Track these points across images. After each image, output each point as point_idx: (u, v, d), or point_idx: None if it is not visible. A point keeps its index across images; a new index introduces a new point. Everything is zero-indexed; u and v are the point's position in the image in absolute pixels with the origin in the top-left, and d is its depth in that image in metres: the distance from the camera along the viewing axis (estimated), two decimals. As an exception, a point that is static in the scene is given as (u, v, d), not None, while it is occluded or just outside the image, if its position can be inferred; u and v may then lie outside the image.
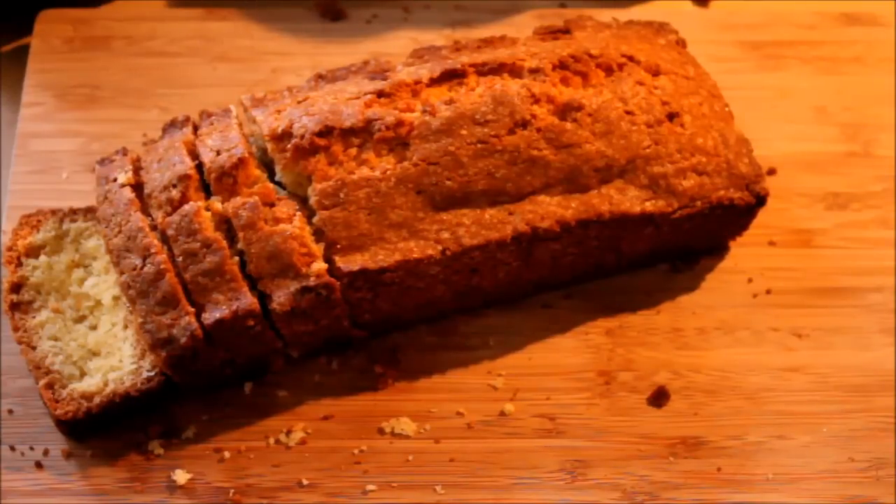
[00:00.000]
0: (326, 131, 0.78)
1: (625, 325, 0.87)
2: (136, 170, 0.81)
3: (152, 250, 0.76)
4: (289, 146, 0.78)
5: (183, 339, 0.74)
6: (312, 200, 0.77)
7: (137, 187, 0.80)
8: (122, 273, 0.77)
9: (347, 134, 0.78)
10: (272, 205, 0.77)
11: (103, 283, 0.82)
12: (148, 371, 0.77)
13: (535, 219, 0.79)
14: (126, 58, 1.02)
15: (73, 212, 0.86)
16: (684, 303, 0.88)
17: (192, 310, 0.74)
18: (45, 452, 0.78)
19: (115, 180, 0.80)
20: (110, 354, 0.79)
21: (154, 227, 0.78)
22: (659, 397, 0.83)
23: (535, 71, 0.83)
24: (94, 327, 0.81)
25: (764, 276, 0.90)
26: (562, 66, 0.83)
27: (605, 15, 0.96)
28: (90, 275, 0.83)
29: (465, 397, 0.82)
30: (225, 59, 1.03)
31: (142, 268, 0.75)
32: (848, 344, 0.86)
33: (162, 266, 0.75)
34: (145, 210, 0.79)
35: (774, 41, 1.06)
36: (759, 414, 0.82)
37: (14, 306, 0.81)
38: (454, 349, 0.85)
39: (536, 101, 0.81)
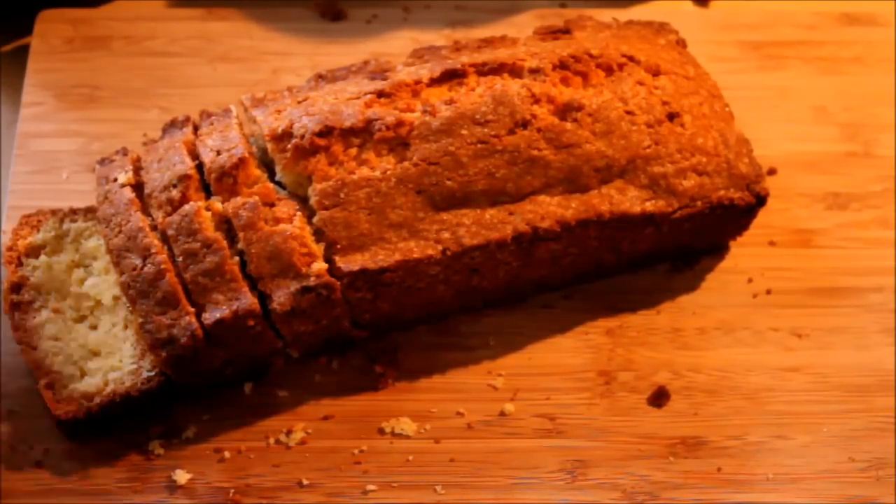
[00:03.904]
0: (326, 131, 0.78)
1: (625, 325, 0.87)
2: (137, 170, 0.82)
3: (152, 250, 0.76)
4: (289, 146, 0.78)
5: (183, 339, 0.73)
6: (312, 200, 0.77)
7: (138, 187, 0.80)
8: (122, 273, 0.77)
9: (347, 134, 0.78)
10: (272, 205, 0.77)
11: (103, 283, 0.82)
12: (148, 371, 0.77)
13: (535, 219, 0.79)
14: (126, 58, 1.02)
15: (73, 212, 0.86)
16: (684, 303, 0.88)
17: (193, 310, 0.74)
18: (46, 452, 0.78)
19: (115, 180, 0.80)
20: (110, 354, 0.79)
21: (154, 227, 0.78)
22: (659, 397, 0.83)
23: (535, 71, 0.83)
24: (94, 327, 0.81)
25: (764, 276, 0.90)
26: (562, 66, 0.83)
27: (605, 15, 0.96)
28: (90, 275, 0.83)
29: (465, 397, 0.82)
30: (225, 59, 1.03)
31: (142, 268, 0.75)
32: (848, 344, 0.86)
33: (162, 266, 0.75)
34: (145, 210, 0.79)
35: (774, 41, 1.06)
36: (759, 414, 0.82)
37: (14, 306, 0.81)
38: (454, 349, 0.85)
39: (536, 101, 0.81)
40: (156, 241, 0.76)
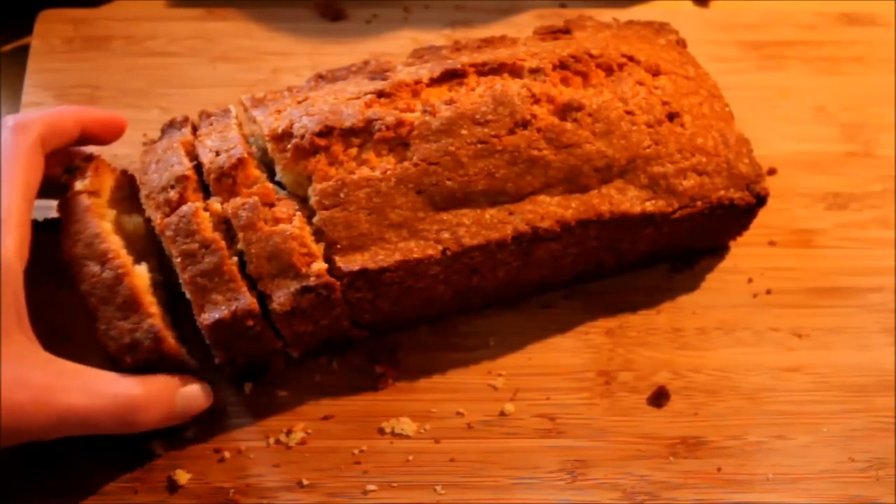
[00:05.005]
0: (326, 131, 0.78)
1: (625, 325, 0.87)
2: (98, 172, 0.80)
3: (109, 255, 0.75)
4: (289, 146, 0.78)
5: (146, 343, 0.73)
6: (312, 200, 0.77)
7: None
8: (82, 282, 0.75)
9: (347, 134, 0.78)
10: (272, 205, 0.77)
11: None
12: None
13: (535, 219, 0.79)
14: (126, 58, 1.02)
15: None
16: (684, 303, 0.88)
17: (154, 311, 0.74)
18: (45, 452, 0.78)
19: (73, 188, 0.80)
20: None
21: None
22: (659, 397, 0.83)
23: (535, 71, 0.83)
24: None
25: (764, 276, 0.90)
26: (562, 66, 0.83)
27: (605, 15, 0.96)
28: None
29: (465, 397, 0.82)
30: (225, 59, 1.03)
31: (101, 274, 0.75)
32: (848, 344, 0.86)
33: (120, 270, 0.74)
34: (101, 215, 0.78)
35: (774, 41, 1.06)
36: (759, 414, 0.82)
37: None
38: (454, 349, 0.85)
39: (536, 101, 0.81)
40: (112, 246, 0.75)
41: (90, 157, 0.83)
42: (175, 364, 0.75)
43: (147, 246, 0.82)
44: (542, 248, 0.81)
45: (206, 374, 0.80)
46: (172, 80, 1.00)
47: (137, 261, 0.79)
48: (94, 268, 0.75)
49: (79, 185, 0.79)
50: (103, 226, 0.77)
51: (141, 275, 0.77)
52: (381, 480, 0.78)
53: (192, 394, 0.76)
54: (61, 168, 0.82)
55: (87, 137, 0.82)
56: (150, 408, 0.73)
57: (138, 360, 0.74)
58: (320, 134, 0.78)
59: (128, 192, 0.84)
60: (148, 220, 0.80)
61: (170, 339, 0.74)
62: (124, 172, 0.85)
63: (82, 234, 0.77)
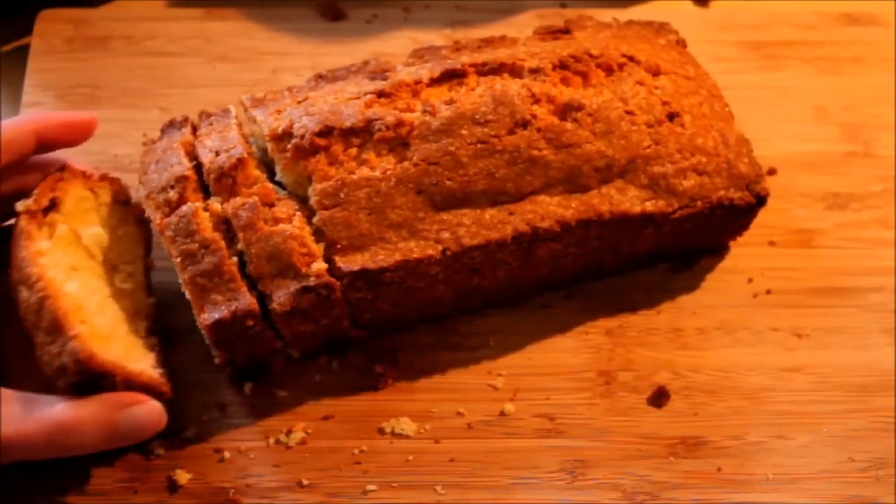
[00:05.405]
0: (326, 131, 0.78)
1: (625, 325, 0.87)
2: (57, 187, 0.78)
3: (33, 279, 0.72)
4: (289, 146, 0.78)
5: (70, 365, 0.70)
6: (312, 200, 0.77)
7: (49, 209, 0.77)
8: (19, 308, 0.74)
9: (347, 134, 0.78)
10: (272, 205, 0.77)
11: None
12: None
13: (535, 219, 0.79)
14: (126, 58, 1.02)
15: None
16: (684, 303, 0.88)
17: (76, 333, 0.71)
18: (45, 452, 0.78)
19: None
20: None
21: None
22: (659, 397, 0.83)
23: (535, 71, 0.83)
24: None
25: (764, 276, 0.90)
26: (562, 66, 0.83)
27: (605, 15, 0.96)
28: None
29: (465, 397, 0.82)
30: (225, 59, 1.03)
31: (29, 299, 0.73)
32: (848, 344, 0.86)
33: (41, 294, 0.72)
34: (48, 233, 0.76)
35: (774, 41, 1.07)
36: (759, 414, 0.82)
37: None
38: (454, 349, 0.85)
39: (536, 101, 0.81)
40: (36, 269, 0.73)
41: (63, 167, 0.80)
42: (130, 383, 0.72)
43: (121, 254, 0.81)
44: (543, 248, 0.81)
45: (206, 374, 0.80)
46: (172, 80, 1.01)
47: (108, 272, 0.78)
48: (25, 293, 0.73)
49: (19, 205, 0.76)
50: (33, 247, 0.74)
51: (68, 295, 0.73)
52: (381, 480, 0.78)
53: (138, 414, 0.72)
54: (38, 177, 0.79)
55: (50, 144, 0.79)
56: (84, 430, 0.70)
57: (70, 383, 0.71)
58: (320, 134, 0.78)
59: (107, 199, 0.81)
60: (146, 222, 0.79)
61: (100, 358, 0.71)
62: (104, 177, 0.82)
63: (16, 259, 0.74)
